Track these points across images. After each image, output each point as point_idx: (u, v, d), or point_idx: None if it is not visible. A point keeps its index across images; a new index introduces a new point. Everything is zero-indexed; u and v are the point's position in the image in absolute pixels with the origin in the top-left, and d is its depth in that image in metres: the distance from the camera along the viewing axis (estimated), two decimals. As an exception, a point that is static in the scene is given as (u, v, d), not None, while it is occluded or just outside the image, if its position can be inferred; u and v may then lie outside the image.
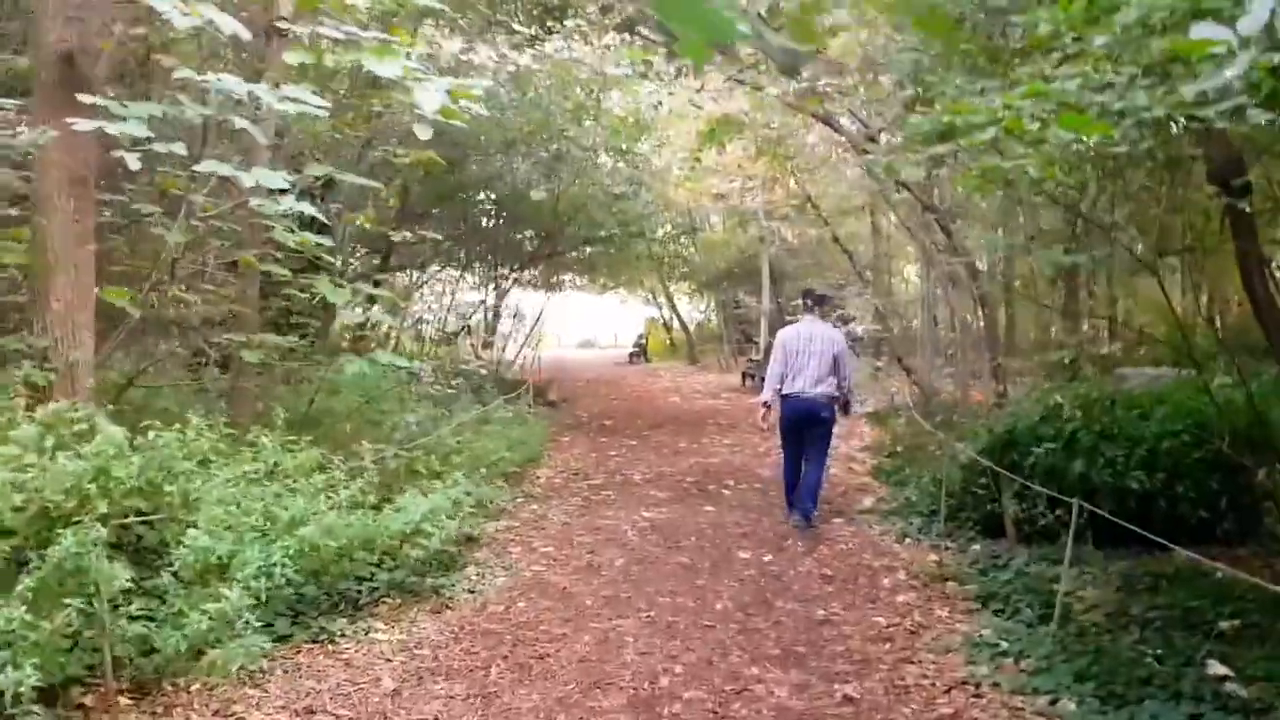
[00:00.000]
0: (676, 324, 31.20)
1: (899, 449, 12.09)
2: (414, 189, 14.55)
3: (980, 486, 7.81)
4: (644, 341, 31.22)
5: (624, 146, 13.39)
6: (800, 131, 12.09)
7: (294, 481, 4.89)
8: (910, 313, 24.14)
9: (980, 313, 11.02)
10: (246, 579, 4.05)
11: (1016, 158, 3.53)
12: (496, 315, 18.11)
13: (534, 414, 15.11)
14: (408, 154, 8.15)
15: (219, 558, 4.07)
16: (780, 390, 7.95)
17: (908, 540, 7.62)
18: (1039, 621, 5.47)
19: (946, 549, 7.30)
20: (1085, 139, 3.13)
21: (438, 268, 17.56)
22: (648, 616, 5.46)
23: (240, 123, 5.06)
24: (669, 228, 16.76)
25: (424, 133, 6.03)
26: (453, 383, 11.32)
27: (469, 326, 18.03)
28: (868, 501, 9.24)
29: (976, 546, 7.31)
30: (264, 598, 4.24)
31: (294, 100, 5.20)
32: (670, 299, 30.27)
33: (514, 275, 17.76)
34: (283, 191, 5.30)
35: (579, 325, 43.27)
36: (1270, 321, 5.68)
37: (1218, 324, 11.28)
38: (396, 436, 7.22)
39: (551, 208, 14.11)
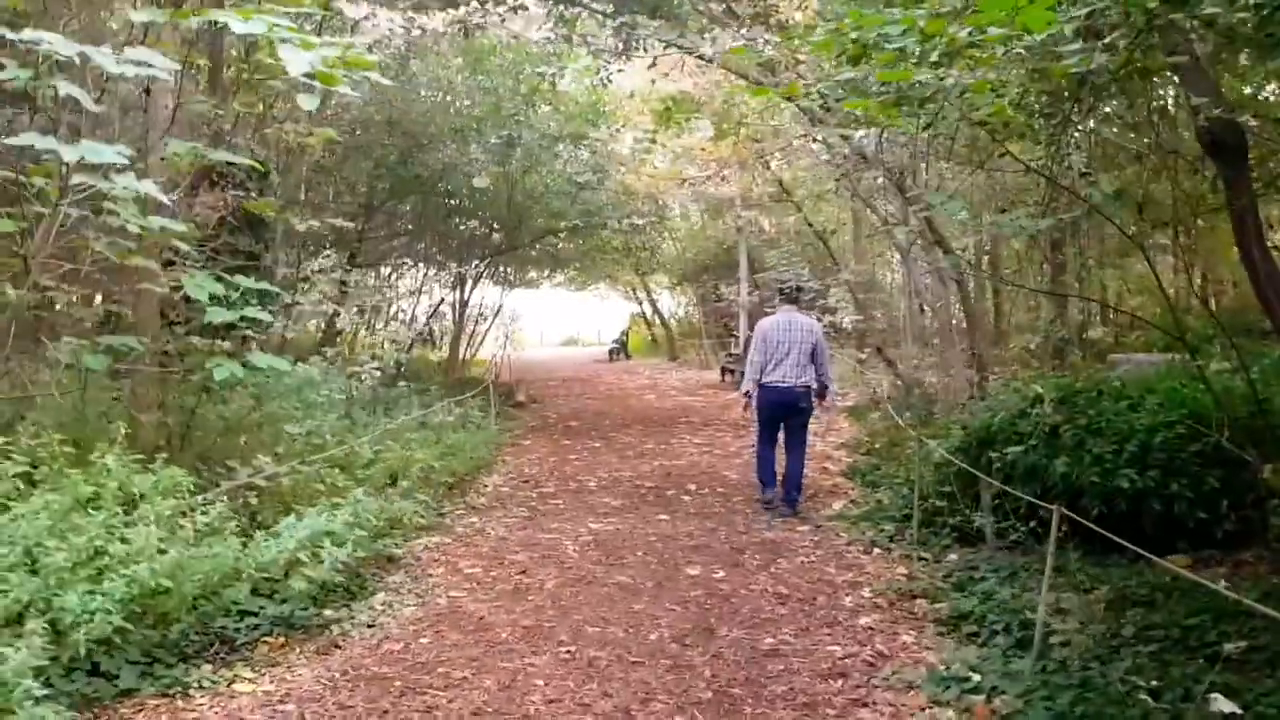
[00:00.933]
0: (657, 319, 30.45)
1: (876, 446, 11.41)
2: (376, 185, 13.86)
3: (955, 489, 7.13)
4: (624, 338, 30.50)
5: (582, 132, 12.66)
6: (764, 112, 11.37)
7: (145, 508, 4.16)
8: (894, 302, 23.49)
9: (958, 298, 10.34)
10: (50, 630, 3.33)
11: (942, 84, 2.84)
12: (461, 313, 17.36)
13: (496, 415, 14.41)
14: (308, 132, 7.36)
15: (18, 603, 3.35)
16: (760, 380, 8.07)
17: (876, 550, 6.92)
18: (1017, 647, 4.78)
19: (919, 559, 6.60)
20: (1028, 50, 2.44)
21: (401, 265, 16.84)
22: (568, 652, 4.74)
23: (66, 88, 4.32)
24: (635, 218, 16.01)
25: (308, 103, 5.30)
26: (398, 385, 10.57)
27: (430, 325, 17.30)
28: (837, 505, 8.54)
29: (952, 556, 6.62)
30: (82, 650, 3.52)
31: (137, 63, 4.45)
32: (649, 293, 29.53)
33: (476, 271, 17.01)
34: (122, 169, 4.55)
35: (561, 323, 42.66)
36: (1272, 294, 4.98)
37: (1212, 305, 10.60)
38: (298, 449, 6.48)
39: (507, 198, 13.37)
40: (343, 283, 19.13)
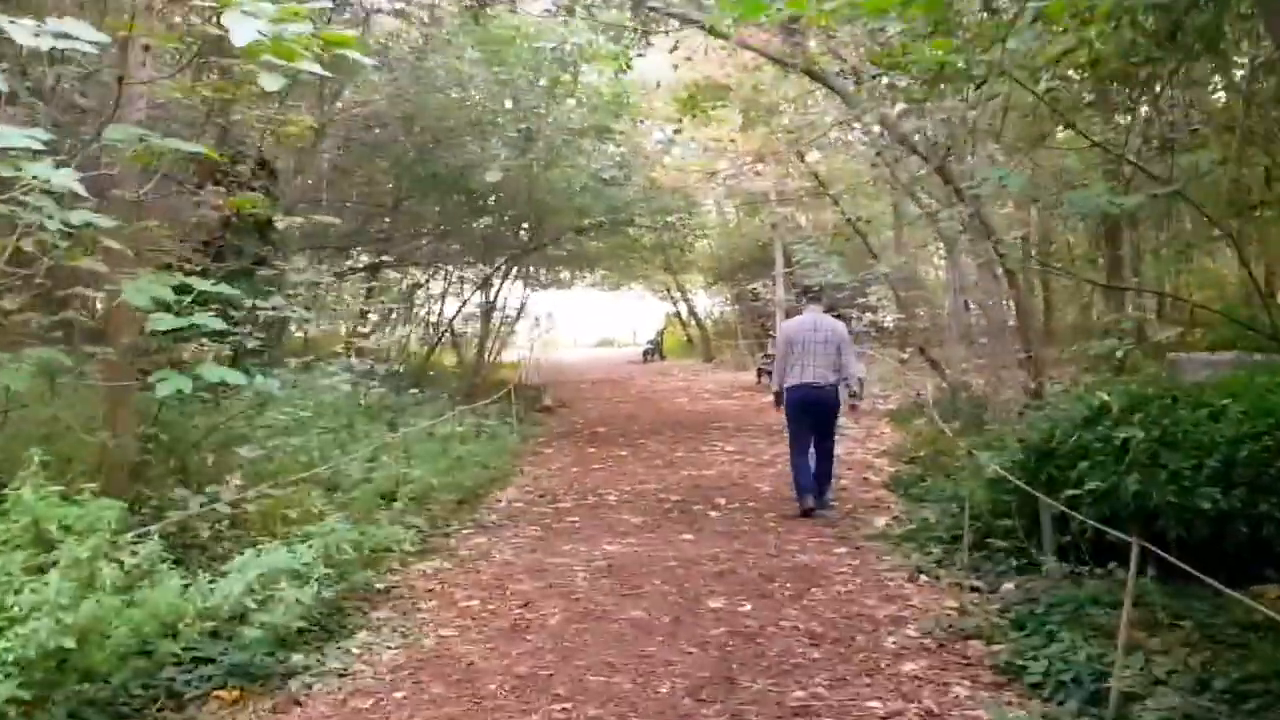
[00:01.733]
0: (692, 320, 29.73)
1: (920, 454, 10.65)
2: (395, 183, 13.34)
3: (1012, 508, 6.40)
4: (659, 339, 29.81)
5: (605, 125, 12.02)
6: (795, 102, 10.67)
7: (63, 548, 3.57)
8: (938, 300, 22.59)
9: (1009, 294, 9.56)
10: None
11: None
12: (487, 315, 16.80)
13: (520, 421, 13.83)
14: (284, 120, 6.78)
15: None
16: (788, 383, 8.11)
17: (923, 578, 6.20)
18: (1090, 703, 4.06)
19: (971, 590, 5.88)
20: None
21: (432, 267, 16.35)
22: (563, 711, 4.10)
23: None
24: (664, 214, 15.33)
25: (271, 83, 4.69)
26: (411, 391, 10.00)
27: (452, 328, 16.76)
28: (879, 522, 7.81)
29: (1009, 585, 5.89)
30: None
31: (58, 35, 3.86)
32: (683, 293, 28.80)
33: (502, 271, 16.43)
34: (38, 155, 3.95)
35: (596, 324, 42.06)
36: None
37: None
38: (273, 469, 5.89)
39: (528, 194, 12.76)
40: (370, 285, 18.79)
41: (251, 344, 8.45)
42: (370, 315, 18.46)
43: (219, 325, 4.25)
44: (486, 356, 16.61)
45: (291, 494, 5.37)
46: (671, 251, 19.65)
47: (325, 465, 6.15)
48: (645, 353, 29.14)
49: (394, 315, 18.25)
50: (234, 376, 4.15)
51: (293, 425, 6.87)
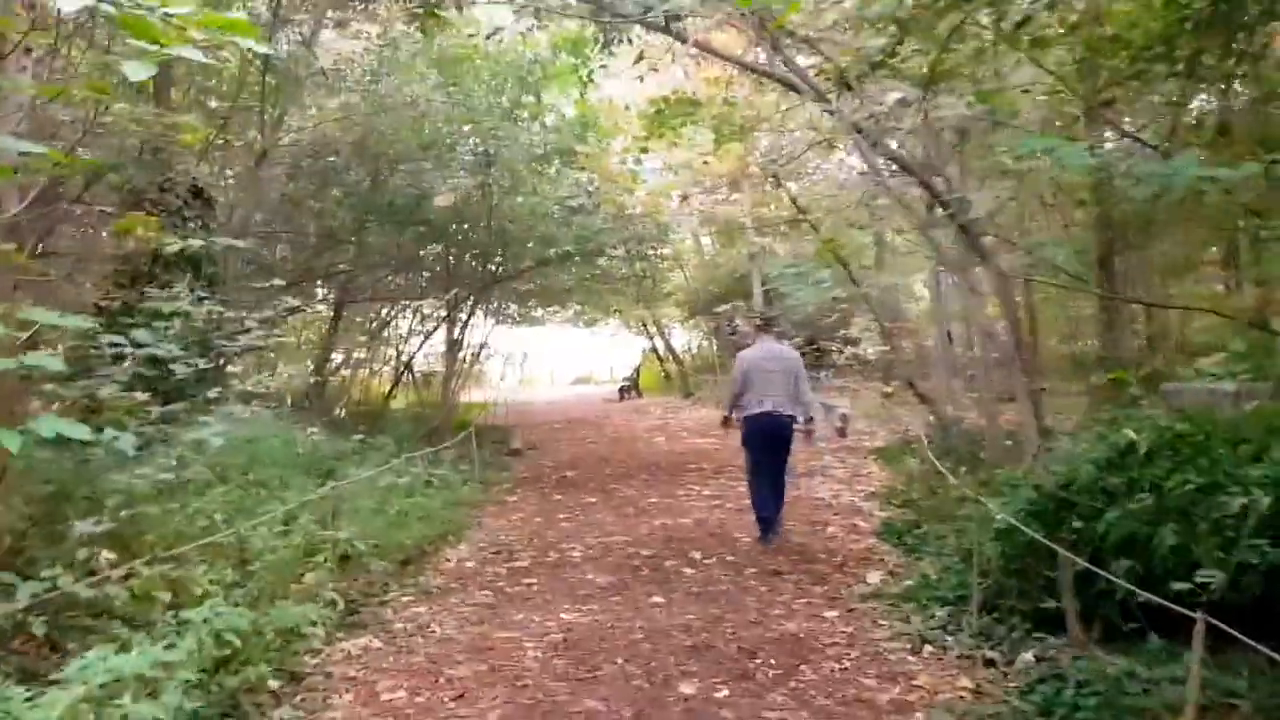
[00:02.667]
0: (669, 355, 28.91)
1: (913, 497, 9.84)
2: (344, 213, 12.49)
3: (1028, 564, 5.58)
4: (636, 375, 28.96)
5: (570, 148, 11.28)
6: (770, 120, 9.93)
7: None
8: (921, 330, 21.92)
9: (1005, 322, 8.78)
10: None
11: None
12: (453, 352, 15.92)
13: (484, 465, 12.93)
14: (172, 124, 5.97)
15: None
16: (747, 413, 8.17)
17: (928, 648, 5.35)
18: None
19: (985, 662, 5.04)
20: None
21: (394, 303, 15.48)
22: None
23: None
24: (634, 242, 14.53)
25: (137, 73, 3.87)
26: (356, 437, 9.09)
27: (410, 366, 15.88)
28: (873, 578, 6.96)
29: (1028, 655, 5.06)
30: None
31: None
32: (660, 327, 27.97)
33: (467, 306, 15.57)
34: None
35: (573, 361, 41.21)
36: None
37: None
38: (153, 541, 4.97)
39: (487, 223, 11.94)
40: (335, 320, 17.89)
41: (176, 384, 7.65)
42: (335, 355, 17.61)
43: (57, 367, 3.40)
44: (451, 396, 15.70)
45: (171, 570, 4.46)
46: (645, 284, 18.80)
47: (228, 530, 5.23)
48: (621, 390, 28.26)
49: (355, 355, 17.39)
50: (75, 430, 3.29)
51: (195, 482, 5.94)
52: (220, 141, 11.72)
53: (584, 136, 10.97)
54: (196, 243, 9.84)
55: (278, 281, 9.34)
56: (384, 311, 18.05)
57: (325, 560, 5.83)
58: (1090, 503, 5.29)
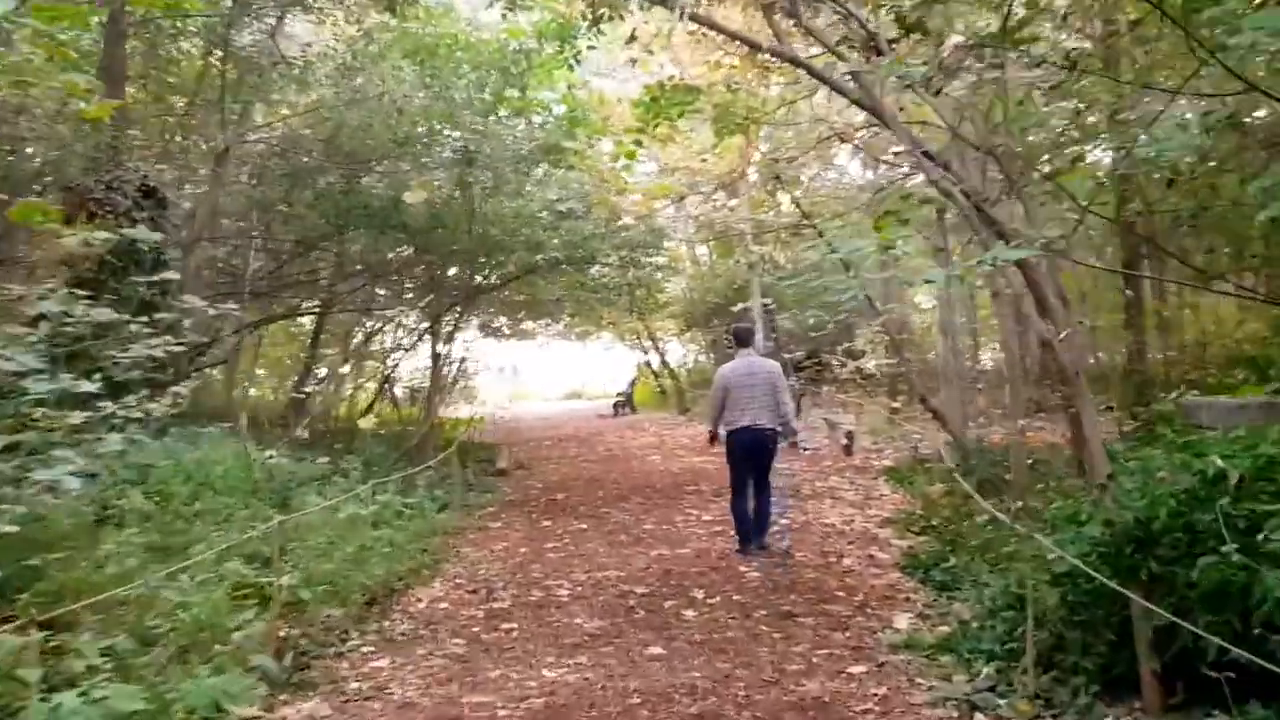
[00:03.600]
0: (665, 370, 27.98)
1: (934, 523, 8.98)
2: (310, 215, 11.61)
3: (1095, 614, 4.71)
4: (630, 390, 28.05)
5: (556, 144, 10.44)
6: (777, 111, 9.10)
7: None
8: (926, 342, 21.08)
9: (1049, 330, 7.93)
10: None
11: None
12: (436, 367, 15.04)
13: (468, 488, 12.05)
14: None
15: None
16: (729, 427, 8.26)
17: (979, 716, 4.47)
18: None
19: (1051, 736, 4.17)
20: None
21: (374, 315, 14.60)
22: None
23: None
24: (626, 249, 13.65)
25: None
26: (322, 460, 8.19)
27: (388, 380, 14.99)
28: (901, 622, 6.10)
29: (1102, 728, 4.19)
30: None
31: None
32: (655, 341, 27.07)
33: (451, 318, 14.71)
34: None
35: (566, 376, 40.35)
36: None
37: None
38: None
39: (468, 227, 11.07)
40: (316, 332, 17.02)
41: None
42: (319, 370, 16.75)
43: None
44: (434, 413, 14.81)
45: (50, 637, 3.57)
46: (639, 293, 17.85)
47: (139, 581, 4.34)
48: (616, 405, 27.34)
49: (339, 370, 16.55)
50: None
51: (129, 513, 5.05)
52: (181, 140, 10.89)
53: (572, 133, 10.13)
54: (153, 237, 9.02)
55: (229, 307, 8.34)
56: (369, 324, 17.24)
57: (263, 611, 4.92)
58: (1171, 544, 4.44)
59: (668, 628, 6.13)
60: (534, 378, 40.18)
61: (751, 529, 8.30)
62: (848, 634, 5.90)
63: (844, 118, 9.66)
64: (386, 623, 6.30)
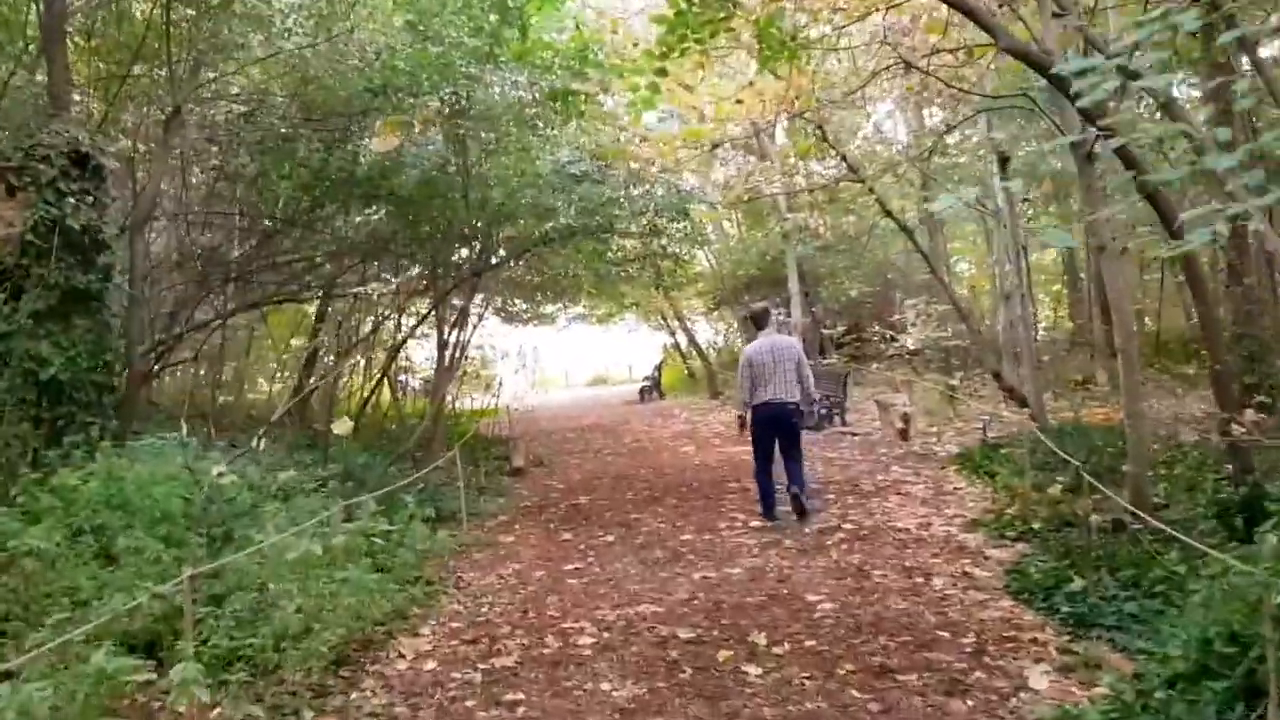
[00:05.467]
0: (693, 351, 26.31)
1: (1034, 527, 7.39)
2: (285, 186, 10.11)
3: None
4: (657, 374, 26.48)
5: (566, 91, 8.84)
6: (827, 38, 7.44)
7: None
8: (981, 312, 19.39)
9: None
10: None
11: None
12: (441, 356, 13.55)
13: (479, 492, 10.59)
14: None
15: None
16: (754, 401, 8.52)
17: None
18: None
19: None
20: None
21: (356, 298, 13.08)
22: None
23: None
24: (650, 215, 12.00)
25: None
26: (280, 478, 6.68)
27: (386, 373, 13.50)
28: (1039, 680, 4.53)
29: None
30: None
31: None
32: (681, 320, 25.39)
33: (458, 300, 13.21)
34: None
35: (589, 361, 38.86)
36: None
37: None
38: None
39: (463, 193, 9.49)
40: (319, 320, 15.58)
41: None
42: (327, 359, 15.35)
43: None
44: (441, 406, 13.32)
45: None
46: (664, 265, 16.10)
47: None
48: (642, 390, 25.78)
49: (347, 361, 15.13)
50: None
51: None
52: (133, 103, 9.41)
53: (583, 72, 8.56)
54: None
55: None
56: (374, 311, 15.82)
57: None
58: None
59: (725, 695, 4.59)
60: (556, 364, 38.75)
61: (774, 497, 8.65)
62: (969, 702, 4.35)
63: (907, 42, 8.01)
64: (355, 695, 4.80)
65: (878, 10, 7.77)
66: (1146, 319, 18.32)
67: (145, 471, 6.67)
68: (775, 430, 8.49)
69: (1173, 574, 5.55)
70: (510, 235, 10.87)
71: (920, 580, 6.48)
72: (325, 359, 15.42)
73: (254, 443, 6.67)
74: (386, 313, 15.43)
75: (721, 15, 6.36)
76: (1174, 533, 5.45)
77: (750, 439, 8.70)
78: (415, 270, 12.64)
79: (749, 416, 8.60)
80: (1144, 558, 6.05)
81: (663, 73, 6.64)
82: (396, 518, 7.05)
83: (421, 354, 18.97)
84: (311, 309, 17.26)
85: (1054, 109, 8.67)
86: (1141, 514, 6.19)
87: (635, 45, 8.83)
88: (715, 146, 8.45)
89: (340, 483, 7.78)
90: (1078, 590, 5.70)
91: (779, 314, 19.19)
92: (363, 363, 16.11)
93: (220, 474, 6.07)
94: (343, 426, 6.72)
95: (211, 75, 8.58)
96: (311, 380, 19.28)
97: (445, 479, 10.27)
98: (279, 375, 21.49)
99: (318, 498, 6.77)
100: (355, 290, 8.22)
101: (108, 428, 8.02)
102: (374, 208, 10.46)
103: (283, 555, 4.90)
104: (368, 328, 16.31)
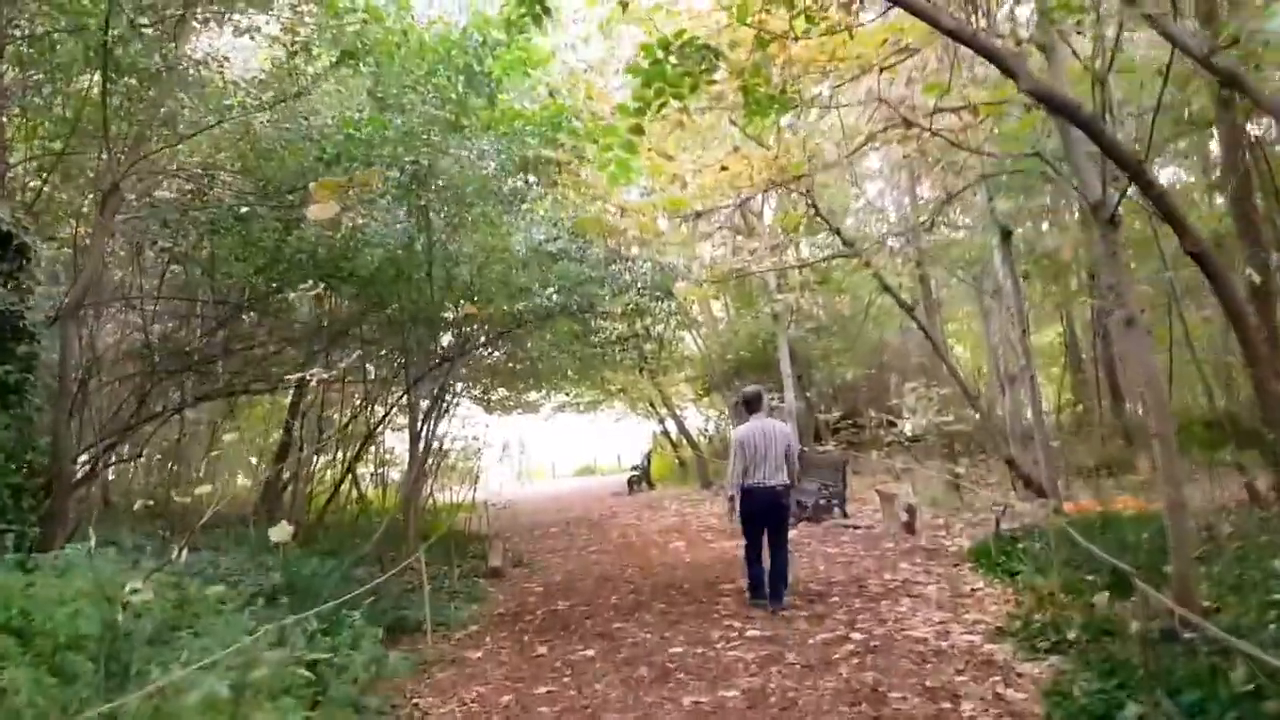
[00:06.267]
0: (684, 439, 25.40)
1: (1068, 635, 6.51)
2: (238, 268, 9.39)
3: None
4: (646, 464, 25.55)
5: (539, 158, 8.22)
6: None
7: None
8: (982, 394, 18.63)
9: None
10: None
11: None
12: (414, 448, 12.67)
13: (450, 596, 9.65)
14: None
15: None
16: (743, 484, 8.55)
17: None
18: None
19: None
20: None
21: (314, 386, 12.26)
22: None
23: None
24: (634, 292, 11.21)
25: None
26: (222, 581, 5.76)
27: (351, 469, 12.62)
28: None
29: None
30: None
31: None
32: (670, 407, 24.54)
33: (429, 389, 12.40)
34: None
35: (577, 450, 38.01)
36: None
37: None
38: None
39: (427, 271, 8.74)
40: (293, 409, 14.77)
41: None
42: (302, 451, 14.49)
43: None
44: (414, 501, 12.41)
45: None
46: (649, 348, 15.19)
47: None
48: (630, 481, 24.82)
49: (322, 455, 14.31)
50: None
51: None
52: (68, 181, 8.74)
53: (554, 139, 7.91)
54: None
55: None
56: (356, 401, 15.05)
57: None
58: None
59: None
60: (543, 454, 37.84)
61: (764, 581, 8.56)
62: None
63: (908, 97, 7.39)
64: None
65: (873, 69, 7.16)
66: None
67: (56, 589, 5.79)
68: (764, 513, 8.51)
69: (1245, 695, 4.71)
70: (478, 315, 10.14)
71: (947, 705, 5.58)
72: (301, 452, 14.61)
73: (175, 553, 5.76)
74: (362, 403, 14.66)
75: (702, 68, 5.71)
76: (1237, 644, 4.62)
77: (740, 523, 8.66)
78: (381, 356, 11.83)
79: (738, 499, 8.56)
80: (1206, 674, 5.19)
81: (639, 130, 5.98)
82: (339, 638, 6.12)
83: (405, 445, 18.14)
84: (286, 399, 16.49)
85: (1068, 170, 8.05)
86: (1195, 619, 5.35)
87: (613, 113, 8.24)
88: (698, 216, 7.77)
89: (284, 595, 6.86)
90: (1134, 719, 4.81)
91: (772, 398, 18.41)
92: (340, 455, 15.29)
93: (135, 591, 5.18)
94: (280, 532, 5.83)
95: (156, 148, 7.90)
96: (284, 474, 18.38)
97: (415, 582, 9.35)
98: (256, 469, 20.59)
99: (255, 614, 5.86)
100: (297, 376, 7.45)
101: (27, 536, 7.17)
102: (334, 289, 9.70)
103: (182, 697, 4.00)
104: (345, 418, 15.55)
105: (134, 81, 7.55)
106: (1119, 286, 6.70)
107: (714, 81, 5.94)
